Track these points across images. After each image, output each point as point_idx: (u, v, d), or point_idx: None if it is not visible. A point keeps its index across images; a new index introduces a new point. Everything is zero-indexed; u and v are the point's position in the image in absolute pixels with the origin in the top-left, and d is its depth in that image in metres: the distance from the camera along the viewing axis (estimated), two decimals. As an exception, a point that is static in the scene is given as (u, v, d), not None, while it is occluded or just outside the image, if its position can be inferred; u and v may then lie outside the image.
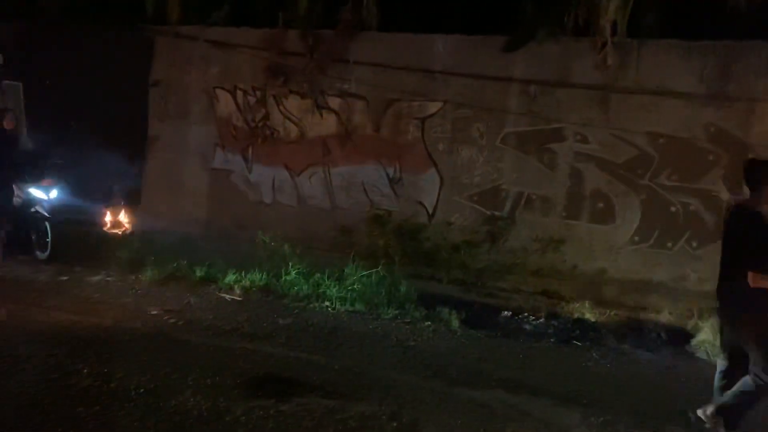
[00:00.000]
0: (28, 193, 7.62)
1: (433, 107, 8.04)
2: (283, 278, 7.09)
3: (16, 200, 7.80)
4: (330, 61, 8.33)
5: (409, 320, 6.41)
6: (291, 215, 8.75)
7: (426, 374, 5.02)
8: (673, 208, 7.24)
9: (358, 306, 6.62)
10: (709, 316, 6.43)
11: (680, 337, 6.32)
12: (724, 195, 7.03)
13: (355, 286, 6.93)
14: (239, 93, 8.91)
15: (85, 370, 4.59)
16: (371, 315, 6.48)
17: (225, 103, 8.99)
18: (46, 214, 7.53)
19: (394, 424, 4.11)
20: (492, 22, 7.75)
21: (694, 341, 6.16)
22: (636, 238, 7.42)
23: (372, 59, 8.21)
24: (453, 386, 4.82)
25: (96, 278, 7.03)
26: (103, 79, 9.10)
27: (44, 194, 7.59)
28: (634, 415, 4.53)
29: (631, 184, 7.38)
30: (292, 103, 8.66)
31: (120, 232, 8.64)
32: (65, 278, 7.00)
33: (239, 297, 6.71)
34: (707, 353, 5.91)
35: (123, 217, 8.77)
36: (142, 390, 4.34)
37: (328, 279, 7.07)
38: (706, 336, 6.10)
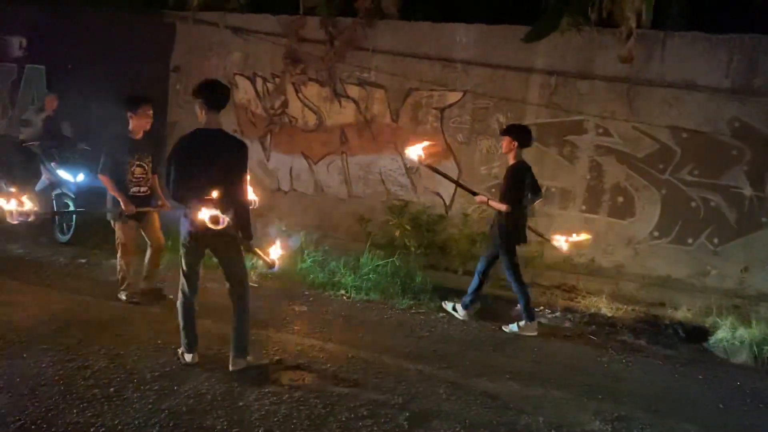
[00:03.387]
0: (57, 175, 7.70)
1: (453, 97, 7.98)
2: (299, 266, 7.12)
3: (41, 183, 7.91)
4: (349, 49, 8.29)
5: (423, 311, 6.41)
6: (308, 203, 8.76)
7: (439, 365, 5.02)
8: (693, 204, 7.14)
9: (373, 295, 6.63)
10: (728, 314, 6.36)
11: (698, 334, 6.25)
12: (747, 191, 6.92)
13: (370, 276, 6.94)
14: (258, 80, 8.90)
15: (102, 352, 4.65)
16: (386, 304, 6.49)
17: (244, 90, 9.00)
18: (72, 196, 7.61)
19: (406, 414, 4.12)
20: (514, 12, 7.67)
21: (712, 339, 6.09)
22: (655, 234, 7.33)
23: (392, 48, 8.17)
24: (466, 377, 4.81)
25: (114, 261, 7.07)
26: (124, 64, 9.14)
27: (72, 177, 7.66)
28: (649, 412, 4.50)
29: (651, 178, 7.29)
30: (311, 91, 8.64)
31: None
32: (84, 261, 7.09)
33: (255, 284, 6.73)
34: (725, 351, 5.84)
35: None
36: (157, 373, 4.39)
37: (343, 268, 7.09)
38: (725, 334, 6.02)
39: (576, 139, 7.53)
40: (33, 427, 3.59)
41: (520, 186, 5.83)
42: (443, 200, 8.10)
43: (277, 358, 4.83)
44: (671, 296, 7.11)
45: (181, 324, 4.60)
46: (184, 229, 4.43)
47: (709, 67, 6.98)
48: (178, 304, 4.61)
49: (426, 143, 6.04)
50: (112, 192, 5.69)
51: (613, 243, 7.49)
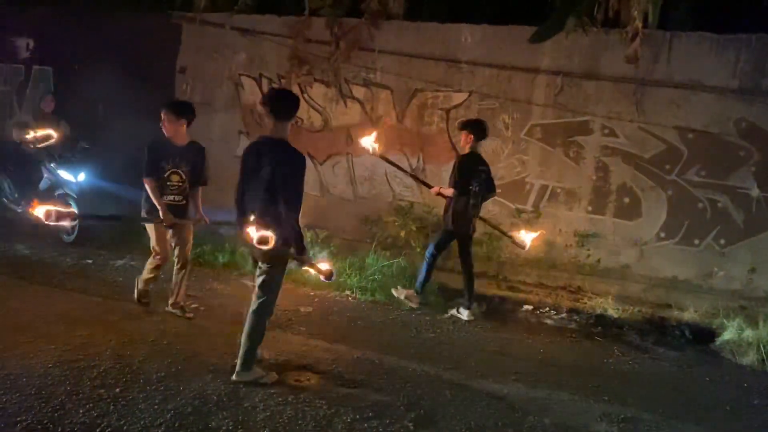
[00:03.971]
0: (57, 175, 7.72)
1: (459, 98, 7.97)
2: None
3: (44, 182, 7.94)
4: (355, 50, 8.29)
5: (429, 312, 6.40)
6: (313, 204, 8.75)
7: (445, 366, 5.01)
8: (700, 205, 7.11)
9: (379, 296, 6.63)
10: (735, 315, 6.33)
11: (705, 335, 6.23)
12: (754, 192, 6.89)
13: (375, 276, 6.94)
14: (264, 81, 8.92)
15: (108, 352, 4.66)
16: (391, 305, 6.49)
17: (250, 91, 9.01)
18: (74, 196, 7.63)
19: (412, 415, 4.11)
20: (520, 13, 7.66)
21: (719, 340, 6.07)
22: (662, 234, 7.30)
23: (397, 48, 8.16)
24: (471, 379, 4.80)
25: (120, 262, 7.11)
26: (131, 65, 9.16)
27: (72, 177, 7.68)
28: (656, 414, 4.48)
29: (658, 179, 7.26)
30: (317, 92, 8.64)
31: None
32: (89, 261, 7.10)
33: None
34: (732, 353, 5.82)
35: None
36: (162, 373, 4.39)
37: (349, 268, 7.08)
38: (732, 335, 6.00)
39: (582, 139, 7.51)
40: (39, 427, 3.59)
41: (465, 174, 6.14)
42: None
43: (282, 358, 4.84)
44: (678, 297, 7.08)
45: (256, 343, 4.43)
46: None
47: (716, 67, 6.96)
48: (263, 321, 4.44)
49: (375, 134, 6.27)
50: (153, 198, 5.30)
51: (620, 244, 7.47)
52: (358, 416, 4.02)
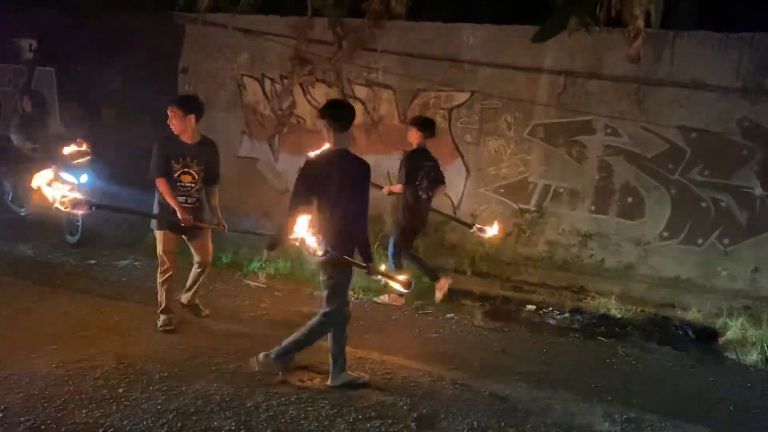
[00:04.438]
0: (60, 177, 7.72)
1: (461, 97, 7.96)
2: (307, 266, 7.11)
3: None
4: (357, 50, 8.29)
5: (431, 312, 6.39)
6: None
7: (447, 366, 5.00)
8: (703, 204, 7.09)
9: (382, 296, 6.62)
10: (738, 315, 6.32)
11: (708, 335, 6.20)
12: (758, 191, 6.87)
13: (377, 276, 6.92)
14: (267, 81, 8.92)
15: (111, 352, 4.66)
16: (393, 305, 6.47)
17: (252, 91, 9.01)
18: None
19: (414, 415, 4.11)
20: (522, 12, 7.64)
21: (722, 340, 6.05)
22: (665, 234, 7.29)
23: (400, 48, 8.16)
24: (474, 379, 4.80)
25: (123, 263, 7.12)
26: (134, 66, 9.18)
27: (74, 178, 7.69)
28: (659, 414, 4.46)
29: (661, 178, 7.24)
30: (319, 92, 8.64)
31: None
32: (93, 262, 7.11)
33: (264, 284, 6.76)
34: (736, 352, 5.79)
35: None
36: (165, 374, 4.40)
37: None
38: (735, 335, 5.99)
39: (585, 139, 7.50)
40: (43, 427, 3.61)
41: (412, 169, 6.33)
42: (452, 201, 8.07)
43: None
44: (681, 297, 7.06)
45: (341, 348, 4.44)
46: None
47: (719, 66, 6.93)
48: (342, 326, 4.44)
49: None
50: (167, 198, 5.02)
51: (622, 244, 7.45)
52: (360, 416, 4.03)
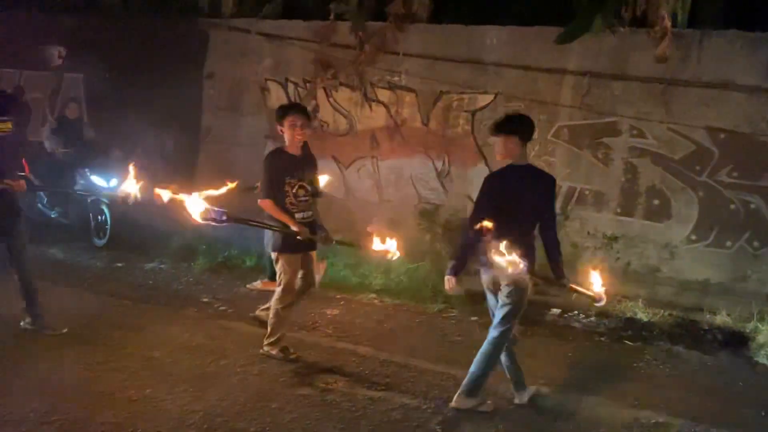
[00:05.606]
0: (90, 181, 7.88)
1: (484, 100, 7.92)
2: (330, 270, 7.13)
3: (77, 188, 8.09)
4: (380, 54, 8.29)
5: (455, 315, 6.37)
6: (338, 207, 8.77)
7: (471, 369, 4.97)
8: (732, 206, 6.96)
9: (404, 299, 6.62)
10: (769, 319, 6.20)
11: (738, 340, 6.08)
12: (788, 193, 6.73)
13: (401, 279, 6.93)
14: (290, 85, 8.97)
15: (138, 354, 4.73)
16: (417, 308, 6.47)
17: (276, 96, 9.06)
18: (107, 201, 7.77)
19: (439, 418, 4.10)
20: (546, 13, 7.59)
21: (752, 344, 5.92)
22: (693, 237, 7.17)
23: (422, 51, 8.15)
24: (499, 382, 4.76)
25: (150, 265, 7.22)
26: (160, 71, 9.29)
27: (105, 182, 7.83)
28: (688, 419, 4.39)
29: (688, 180, 7.13)
30: (342, 96, 8.67)
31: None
32: (120, 265, 7.22)
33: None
34: (767, 357, 5.68)
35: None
36: (191, 375, 4.44)
37: (375, 271, 7.08)
38: (766, 339, 5.86)
39: (610, 141, 7.41)
40: (72, 426, 3.66)
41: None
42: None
43: (310, 360, 4.86)
44: (709, 301, 6.93)
45: (489, 372, 4.30)
46: (486, 276, 4.31)
47: (748, 66, 6.80)
48: (500, 350, 4.33)
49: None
50: (279, 217, 4.72)
51: (649, 246, 7.35)
52: (384, 419, 4.03)
